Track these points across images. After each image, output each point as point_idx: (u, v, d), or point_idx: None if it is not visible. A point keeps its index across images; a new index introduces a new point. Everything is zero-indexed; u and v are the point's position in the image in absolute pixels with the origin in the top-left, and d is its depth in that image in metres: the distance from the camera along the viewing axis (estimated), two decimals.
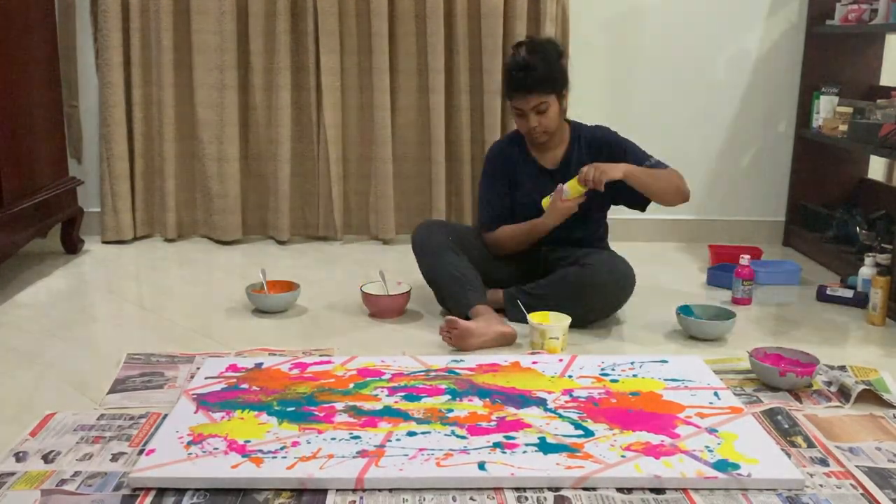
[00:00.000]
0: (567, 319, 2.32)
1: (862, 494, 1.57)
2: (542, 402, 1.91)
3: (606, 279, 2.43)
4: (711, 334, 2.43)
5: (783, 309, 2.76)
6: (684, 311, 2.48)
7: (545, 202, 2.51)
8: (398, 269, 3.03)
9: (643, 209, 2.62)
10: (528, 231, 2.56)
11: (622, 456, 1.67)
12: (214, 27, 3.34)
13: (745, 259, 2.74)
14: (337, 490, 1.56)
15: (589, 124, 2.64)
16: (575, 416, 1.85)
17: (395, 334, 2.46)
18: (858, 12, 3.17)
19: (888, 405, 1.97)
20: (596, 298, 2.44)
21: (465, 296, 2.45)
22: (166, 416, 1.84)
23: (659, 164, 2.54)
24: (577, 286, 2.42)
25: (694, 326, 2.43)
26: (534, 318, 2.32)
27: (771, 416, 1.90)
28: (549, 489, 1.58)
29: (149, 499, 1.53)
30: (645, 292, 2.85)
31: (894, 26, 2.96)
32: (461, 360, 2.17)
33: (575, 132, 2.60)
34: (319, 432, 1.75)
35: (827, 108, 3.32)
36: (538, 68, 2.40)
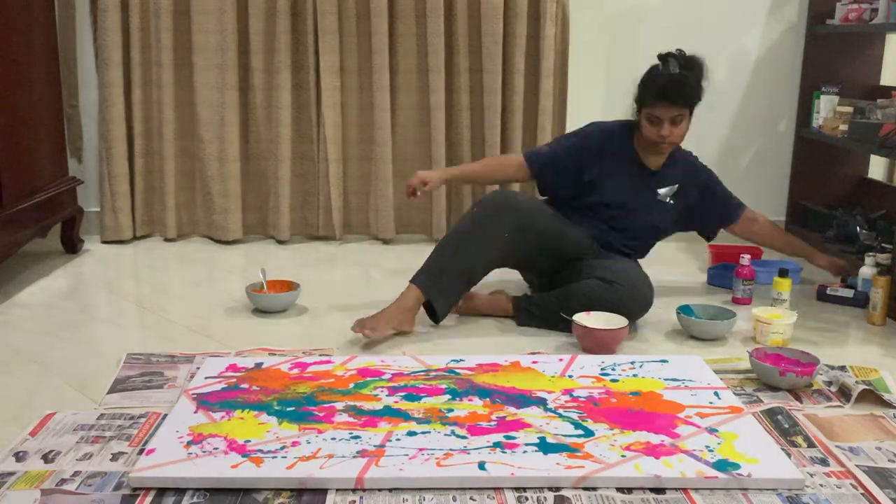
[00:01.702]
0: (794, 316, 2.41)
1: (862, 494, 1.57)
2: (542, 402, 1.91)
3: (628, 302, 2.42)
4: (711, 334, 2.42)
5: None
6: (684, 310, 2.48)
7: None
8: (397, 268, 3.04)
9: (711, 237, 2.87)
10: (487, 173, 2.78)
11: (622, 456, 1.67)
12: (214, 27, 3.34)
13: (745, 259, 2.74)
14: (337, 490, 1.56)
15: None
16: (575, 416, 1.84)
17: (395, 334, 2.45)
18: (859, 12, 3.17)
19: (888, 405, 1.97)
20: (643, 299, 2.48)
21: (425, 272, 2.44)
22: (166, 415, 1.84)
23: (741, 207, 2.79)
24: (597, 302, 2.41)
25: (694, 326, 2.43)
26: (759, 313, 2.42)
27: (771, 415, 1.90)
28: (550, 489, 1.58)
29: (149, 498, 1.53)
30: None
31: (894, 26, 2.96)
32: (461, 360, 2.16)
33: (673, 151, 2.64)
34: (319, 432, 1.75)
35: (827, 107, 3.32)
36: (691, 84, 2.46)
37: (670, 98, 2.44)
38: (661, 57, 2.51)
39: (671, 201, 2.64)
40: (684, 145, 3.53)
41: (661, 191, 2.63)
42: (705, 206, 2.72)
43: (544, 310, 2.48)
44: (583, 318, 2.34)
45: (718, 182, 2.76)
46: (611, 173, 2.59)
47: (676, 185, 2.64)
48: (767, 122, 3.60)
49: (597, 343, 2.29)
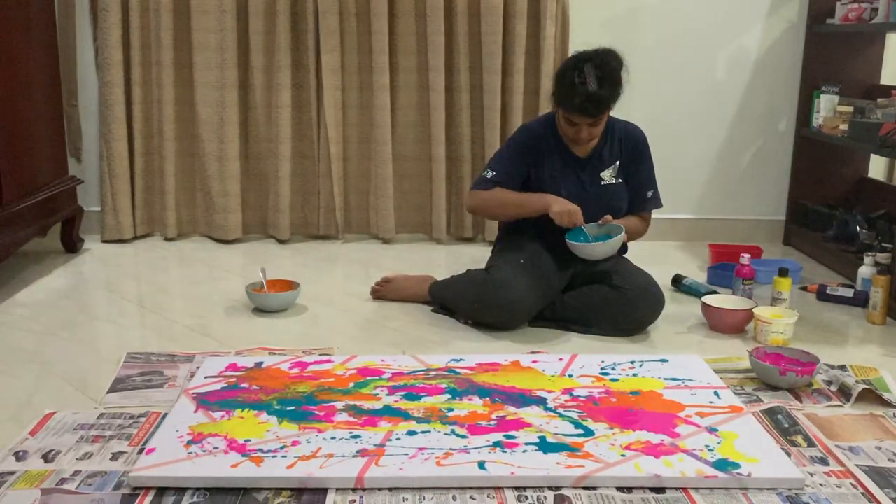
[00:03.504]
0: (794, 315, 2.40)
1: (862, 494, 1.57)
2: (542, 402, 1.91)
3: (641, 306, 2.45)
4: (595, 255, 2.41)
5: None
6: (572, 236, 2.43)
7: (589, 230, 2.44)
8: (397, 267, 3.04)
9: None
10: (520, 203, 2.49)
11: (622, 455, 1.67)
12: (214, 26, 3.34)
13: (745, 258, 2.74)
14: (337, 489, 1.56)
15: (621, 118, 2.60)
16: (575, 416, 1.85)
17: (395, 334, 2.46)
18: (859, 11, 3.17)
19: (888, 405, 1.97)
20: (629, 323, 2.45)
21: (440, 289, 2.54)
22: (166, 415, 1.84)
23: (653, 201, 2.61)
24: (609, 311, 2.43)
25: (579, 250, 2.41)
26: (761, 312, 2.42)
27: (771, 415, 1.90)
28: (549, 488, 1.58)
29: (148, 498, 1.53)
30: None
31: (894, 25, 2.96)
32: (461, 360, 2.17)
33: (608, 124, 2.53)
34: (319, 431, 1.75)
35: (827, 107, 3.32)
36: (608, 98, 2.37)
37: (589, 114, 2.37)
38: (577, 65, 2.37)
39: (618, 179, 2.55)
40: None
41: (604, 173, 2.54)
42: (634, 176, 2.58)
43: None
44: (711, 300, 2.54)
45: (649, 163, 2.60)
46: (550, 173, 2.51)
47: (617, 161, 2.55)
48: (767, 121, 3.60)
49: (727, 324, 2.49)
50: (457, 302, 2.55)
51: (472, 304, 2.48)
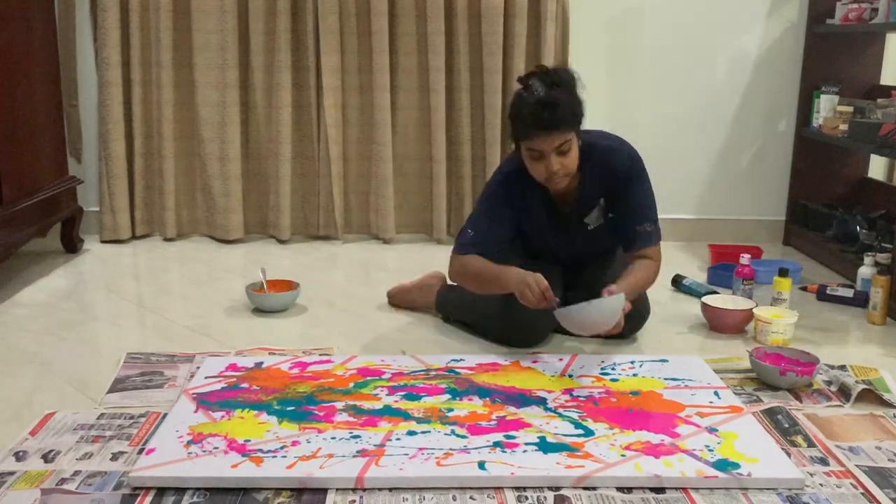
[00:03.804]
0: (794, 315, 2.39)
1: (862, 494, 1.57)
2: (542, 402, 1.91)
3: (645, 314, 2.41)
4: (587, 324, 2.27)
5: None
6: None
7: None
8: (397, 267, 3.04)
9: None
10: (496, 276, 2.19)
11: (622, 455, 1.67)
12: (215, 26, 3.34)
13: (745, 258, 2.74)
14: (337, 489, 1.56)
15: (595, 135, 2.26)
16: (575, 416, 1.84)
17: (395, 333, 2.46)
18: (859, 11, 3.17)
19: (888, 405, 1.97)
20: (632, 325, 2.38)
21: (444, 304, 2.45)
22: (166, 415, 1.84)
23: (651, 236, 2.29)
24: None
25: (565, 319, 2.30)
26: (760, 312, 2.42)
27: (771, 415, 1.90)
28: (549, 488, 1.58)
29: (149, 498, 1.53)
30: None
31: (894, 25, 2.96)
32: (461, 360, 2.17)
33: (584, 155, 2.20)
34: (319, 431, 1.75)
35: (827, 107, 3.31)
36: (562, 104, 2.05)
37: (546, 125, 2.04)
38: (521, 80, 2.12)
39: (608, 215, 2.31)
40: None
41: (588, 218, 2.31)
42: (620, 209, 2.29)
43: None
44: (711, 300, 2.54)
45: (634, 185, 2.26)
46: (532, 226, 2.32)
47: (601, 199, 2.29)
48: (767, 121, 3.60)
49: (727, 324, 2.48)
50: (477, 329, 2.44)
51: (494, 337, 2.37)
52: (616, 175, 2.24)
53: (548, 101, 2.03)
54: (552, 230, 2.33)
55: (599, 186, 2.26)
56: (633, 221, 2.27)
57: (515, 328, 2.31)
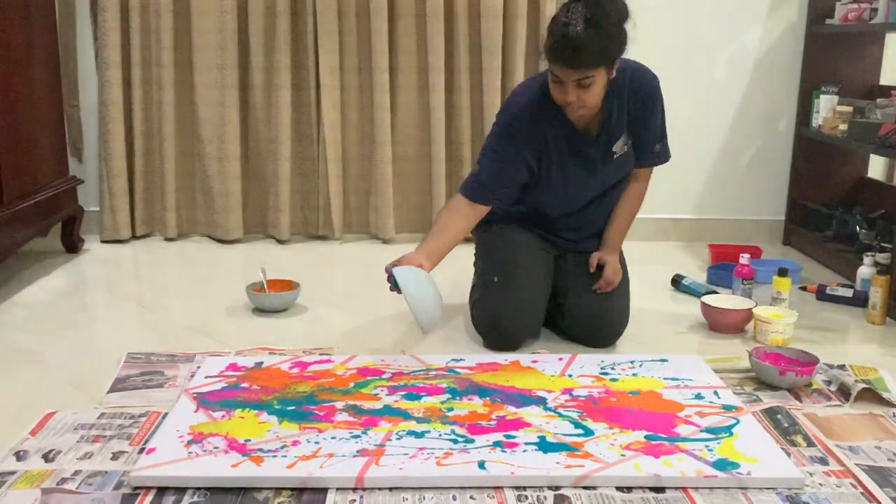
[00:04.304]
0: (794, 315, 2.39)
1: (862, 493, 1.57)
2: (541, 401, 1.91)
3: (617, 329, 2.37)
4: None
5: None
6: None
7: None
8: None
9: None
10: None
11: (622, 455, 1.67)
12: (214, 26, 3.34)
13: (744, 258, 2.74)
14: (337, 489, 1.56)
15: (631, 59, 2.21)
16: (575, 415, 1.85)
17: (395, 333, 2.46)
18: (858, 11, 3.17)
19: (888, 404, 1.97)
20: (600, 340, 2.36)
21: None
22: (166, 414, 1.84)
23: (659, 156, 2.32)
24: (592, 328, 2.35)
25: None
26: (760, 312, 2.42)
27: (771, 415, 1.90)
28: (549, 488, 1.58)
29: (149, 498, 1.53)
30: (645, 291, 2.86)
31: (894, 25, 2.96)
32: (461, 360, 2.17)
33: (618, 81, 2.15)
34: (319, 431, 1.75)
35: (827, 107, 3.32)
36: (591, 46, 1.95)
37: (565, 62, 1.98)
38: (569, 3, 2.01)
39: (628, 144, 2.27)
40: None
41: (616, 146, 2.24)
42: (641, 128, 2.27)
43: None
44: (711, 300, 2.54)
45: (659, 106, 2.27)
46: (549, 162, 2.23)
47: (625, 125, 2.24)
48: (767, 121, 3.60)
49: (726, 324, 2.47)
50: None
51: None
52: (646, 95, 2.23)
53: (573, 39, 1.94)
54: (574, 164, 2.25)
55: (626, 109, 2.23)
56: (653, 140, 2.29)
57: (494, 337, 2.32)
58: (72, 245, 3.28)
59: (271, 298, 2.62)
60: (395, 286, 2.06)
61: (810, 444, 1.77)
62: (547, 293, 2.38)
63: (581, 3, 1.98)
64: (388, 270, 2.08)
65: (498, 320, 2.29)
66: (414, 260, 2.09)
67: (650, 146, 2.30)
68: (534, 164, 2.24)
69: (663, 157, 2.35)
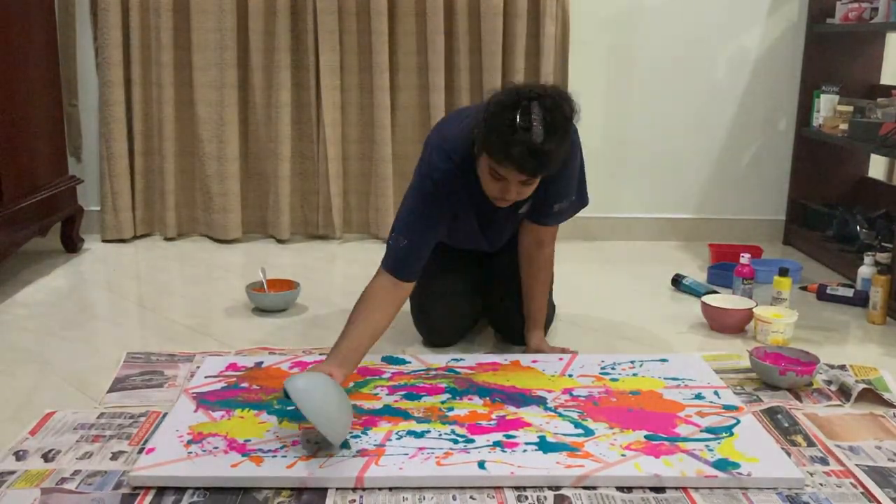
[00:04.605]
0: (794, 315, 2.40)
1: (862, 493, 1.57)
2: (542, 401, 1.91)
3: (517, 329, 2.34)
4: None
5: None
6: None
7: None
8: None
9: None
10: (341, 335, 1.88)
11: (622, 455, 1.67)
12: (214, 25, 3.34)
13: (745, 258, 2.74)
14: (337, 489, 1.56)
15: None
16: (575, 415, 1.84)
17: (395, 334, 2.45)
18: (859, 11, 3.17)
19: (888, 404, 1.97)
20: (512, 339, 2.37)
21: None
22: (166, 414, 1.84)
23: (564, 214, 2.16)
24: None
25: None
26: (760, 312, 2.42)
27: (771, 414, 1.90)
28: (549, 488, 1.58)
29: (149, 497, 1.53)
30: (645, 291, 2.86)
31: (894, 25, 2.96)
32: (461, 359, 2.17)
33: None
34: None
35: (827, 106, 3.31)
36: (555, 155, 1.81)
37: (528, 171, 1.82)
38: (519, 103, 1.78)
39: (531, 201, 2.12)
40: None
41: (523, 209, 2.13)
42: (544, 187, 2.02)
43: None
44: (711, 300, 2.54)
45: (568, 165, 2.02)
46: (458, 225, 2.16)
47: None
48: (767, 121, 3.60)
49: (727, 324, 2.47)
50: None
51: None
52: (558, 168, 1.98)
53: (541, 151, 1.77)
54: (480, 224, 2.18)
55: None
56: (555, 200, 2.11)
57: (428, 333, 2.37)
58: (71, 245, 3.28)
59: (271, 298, 2.62)
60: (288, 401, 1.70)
61: (810, 444, 1.76)
62: (471, 288, 2.38)
63: (537, 103, 1.78)
64: (282, 386, 1.69)
65: (431, 332, 2.37)
66: (322, 370, 1.76)
67: (550, 207, 2.12)
68: (447, 227, 2.13)
69: (569, 211, 2.18)
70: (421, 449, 1.68)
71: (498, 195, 1.92)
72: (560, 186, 2.08)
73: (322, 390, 1.64)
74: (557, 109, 1.80)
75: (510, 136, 1.77)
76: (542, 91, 1.82)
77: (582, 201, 2.22)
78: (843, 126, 3.18)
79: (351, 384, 1.99)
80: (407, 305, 2.36)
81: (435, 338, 2.37)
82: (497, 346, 2.35)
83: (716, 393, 1.98)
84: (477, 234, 2.22)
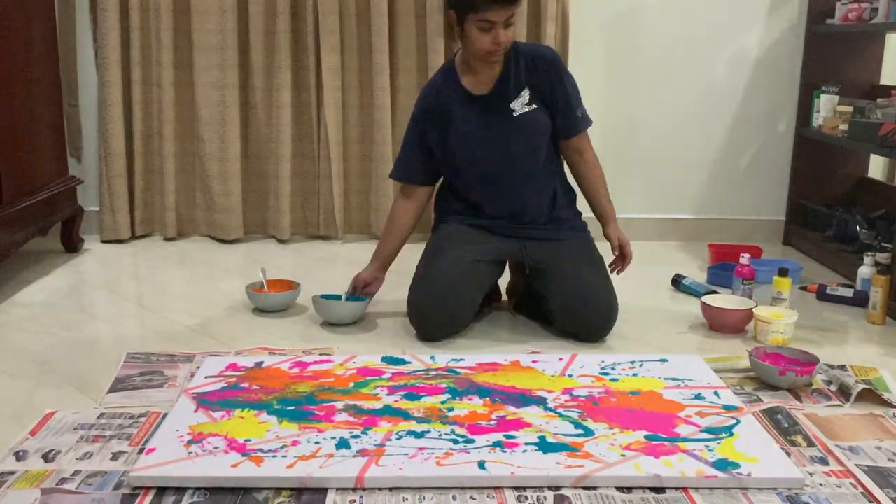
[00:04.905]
0: (794, 315, 2.39)
1: (862, 493, 1.57)
2: (542, 401, 1.91)
3: (590, 322, 2.38)
4: (345, 317, 2.49)
5: None
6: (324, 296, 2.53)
7: None
8: (397, 267, 3.03)
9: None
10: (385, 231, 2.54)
11: (622, 455, 1.67)
12: (215, 26, 3.34)
13: (745, 258, 2.74)
14: (337, 489, 1.56)
15: (524, 41, 2.40)
16: (575, 415, 1.85)
17: (395, 334, 2.46)
18: (858, 11, 3.17)
19: (888, 404, 1.97)
20: (592, 325, 2.39)
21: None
22: (166, 415, 1.84)
23: (584, 120, 2.42)
24: (571, 320, 2.40)
25: (323, 309, 2.50)
26: (760, 312, 2.42)
27: (771, 415, 1.90)
28: (549, 488, 1.58)
29: (149, 498, 1.53)
30: (645, 291, 2.86)
31: (894, 25, 2.96)
32: (461, 360, 2.17)
33: (511, 48, 2.31)
34: (319, 431, 1.75)
35: (827, 106, 3.32)
36: None
37: (503, 2, 2.15)
38: None
39: (531, 107, 2.34)
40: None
41: (514, 104, 2.33)
42: (555, 100, 2.37)
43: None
44: (711, 300, 2.55)
45: (569, 81, 2.38)
46: (457, 134, 2.35)
47: (526, 88, 2.34)
48: (767, 121, 3.60)
49: (727, 324, 2.48)
50: None
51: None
52: (546, 61, 2.34)
53: None
54: (478, 126, 2.34)
55: (525, 72, 2.33)
56: (573, 107, 2.38)
57: (420, 328, 2.40)
58: (71, 245, 3.28)
59: (271, 298, 2.62)
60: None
61: (810, 444, 1.76)
62: (476, 282, 2.42)
63: None
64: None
65: (420, 311, 2.38)
66: (367, 276, 2.51)
67: (573, 111, 2.39)
68: (439, 134, 2.38)
69: (587, 120, 2.44)
70: (421, 449, 1.68)
71: (490, 45, 2.20)
72: (570, 96, 2.37)
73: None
74: None
75: None
76: None
77: (588, 118, 2.45)
78: (843, 126, 3.18)
79: (351, 384, 2.00)
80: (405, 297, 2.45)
81: (428, 332, 2.37)
82: (497, 347, 2.35)
83: (716, 393, 1.98)
84: (482, 144, 2.35)
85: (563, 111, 2.37)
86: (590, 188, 2.49)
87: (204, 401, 1.89)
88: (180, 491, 1.55)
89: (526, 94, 2.34)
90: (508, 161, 2.36)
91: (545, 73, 2.34)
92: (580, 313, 2.37)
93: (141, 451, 1.67)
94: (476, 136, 2.36)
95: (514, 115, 2.32)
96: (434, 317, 2.37)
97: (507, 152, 2.35)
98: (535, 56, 2.35)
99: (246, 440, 1.71)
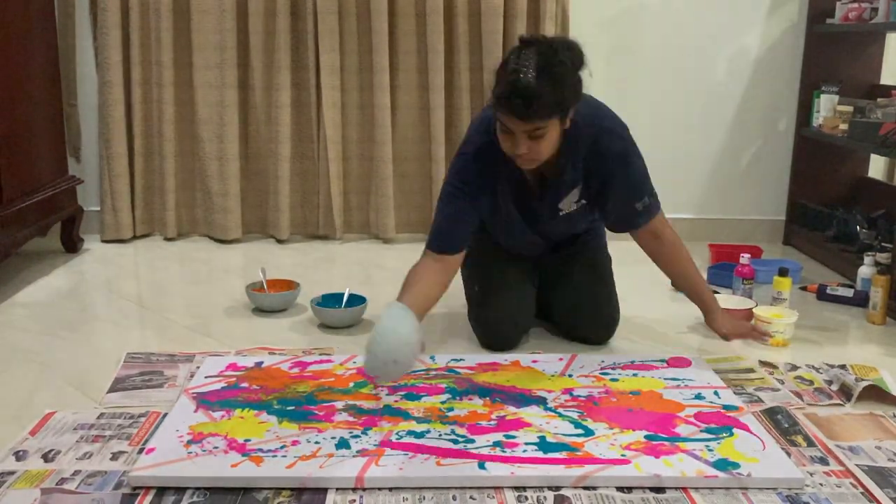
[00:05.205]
0: (794, 315, 2.39)
1: (862, 493, 1.57)
2: (542, 401, 1.91)
3: (600, 335, 2.38)
4: (344, 320, 2.47)
5: None
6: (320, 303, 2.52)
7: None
8: (397, 267, 3.03)
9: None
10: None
11: (622, 455, 1.66)
12: (214, 26, 3.34)
13: (745, 258, 2.74)
14: (337, 489, 1.56)
15: (589, 112, 2.04)
16: (575, 415, 1.84)
17: None
18: (859, 11, 3.17)
19: (892, 400, 1.97)
20: (595, 327, 2.38)
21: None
22: (166, 414, 1.84)
23: (650, 209, 2.16)
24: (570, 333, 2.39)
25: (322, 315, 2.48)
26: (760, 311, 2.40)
27: (771, 415, 1.90)
28: (549, 488, 1.58)
29: (148, 498, 1.53)
30: (645, 291, 2.86)
31: (894, 25, 2.96)
32: (461, 359, 2.16)
33: (572, 136, 1.99)
34: (319, 431, 1.75)
35: (827, 106, 3.32)
36: (544, 96, 1.79)
37: (515, 114, 1.83)
38: (520, 44, 1.86)
39: (580, 203, 2.15)
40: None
41: (562, 203, 2.14)
42: (607, 197, 2.13)
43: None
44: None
45: (628, 166, 2.09)
46: (499, 209, 2.16)
47: (580, 183, 2.11)
48: (767, 121, 3.60)
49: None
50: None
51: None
52: (605, 158, 2.06)
53: (524, 89, 1.78)
54: (520, 214, 2.18)
55: (582, 162, 2.07)
56: (632, 199, 2.12)
57: (485, 330, 2.34)
58: (71, 245, 3.28)
59: (271, 298, 2.62)
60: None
61: (810, 444, 1.76)
62: (530, 283, 2.39)
63: (534, 48, 1.82)
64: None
65: (488, 327, 2.32)
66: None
67: (633, 208, 2.13)
68: (486, 208, 2.13)
69: (651, 211, 2.16)
70: (421, 449, 1.67)
71: (509, 150, 1.93)
72: (630, 191, 2.11)
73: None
74: (554, 55, 1.82)
75: (504, 78, 1.82)
76: (545, 38, 1.87)
77: (657, 204, 2.19)
78: (843, 126, 3.18)
79: (351, 384, 2.00)
80: (464, 308, 2.42)
81: (491, 336, 2.30)
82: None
83: (716, 393, 1.98)
84: (521, 223, 2.20)
85: (619, 207, 2.14)
86: (679, 276, 2.29)
87: (204, 401, 1.89)
88: (180, 491, 1.55)
89: (576, 192, 2.12)
90: (547, 240, 2.32)
91: (601, 169, 2.07)
92: (580, 325, 2.37)
93: (141, 451, 1.67)
94: (520, 226, 2.21)
95: (561, 213, 2.16)
96: (505, 329, 2.31)
97: (546, 236, 2.29)
98: (599, 148, 2.05)
99: (246, 440, 1.71)
